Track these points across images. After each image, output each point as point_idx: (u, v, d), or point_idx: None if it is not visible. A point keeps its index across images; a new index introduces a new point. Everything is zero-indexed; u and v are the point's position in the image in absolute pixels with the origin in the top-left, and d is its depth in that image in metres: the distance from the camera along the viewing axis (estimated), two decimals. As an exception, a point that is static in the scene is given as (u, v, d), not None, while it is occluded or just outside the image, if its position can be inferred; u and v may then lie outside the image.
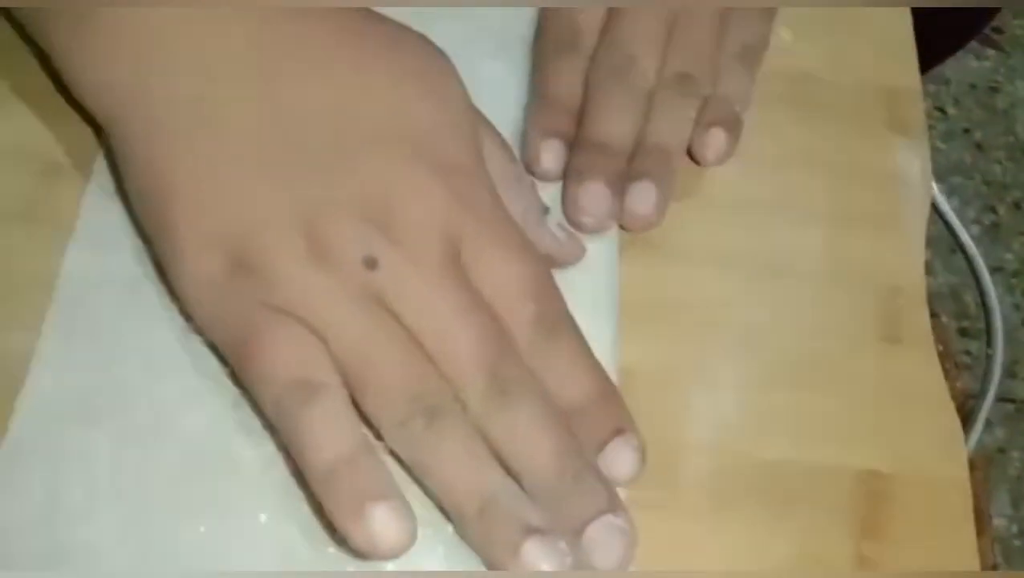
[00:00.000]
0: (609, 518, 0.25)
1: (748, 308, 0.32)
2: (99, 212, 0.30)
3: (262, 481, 0.27)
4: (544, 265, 0.28)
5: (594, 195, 0.31)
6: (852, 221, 0.34)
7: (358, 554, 0.25)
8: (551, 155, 0.31)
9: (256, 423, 0.27)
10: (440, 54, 0.29)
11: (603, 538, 0.25)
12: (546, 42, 0.34)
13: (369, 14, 0.29)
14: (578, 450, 0.26)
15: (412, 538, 0.24)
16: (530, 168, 0.32)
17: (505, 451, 0.26)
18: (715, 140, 0.32)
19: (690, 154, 0.33)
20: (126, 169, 0.28)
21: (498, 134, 0.31)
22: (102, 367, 0.28)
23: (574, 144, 0.32)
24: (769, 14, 0.35)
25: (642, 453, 0.27)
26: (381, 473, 0.25)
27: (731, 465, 0.29)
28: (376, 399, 0.26)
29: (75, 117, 0.31)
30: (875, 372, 0.31)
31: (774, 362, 0.31)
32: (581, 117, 0.32)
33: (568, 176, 0.31)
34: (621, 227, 0.32)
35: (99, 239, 0.29)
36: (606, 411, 0.27)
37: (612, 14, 0.33)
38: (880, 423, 0.30)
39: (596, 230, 0.31)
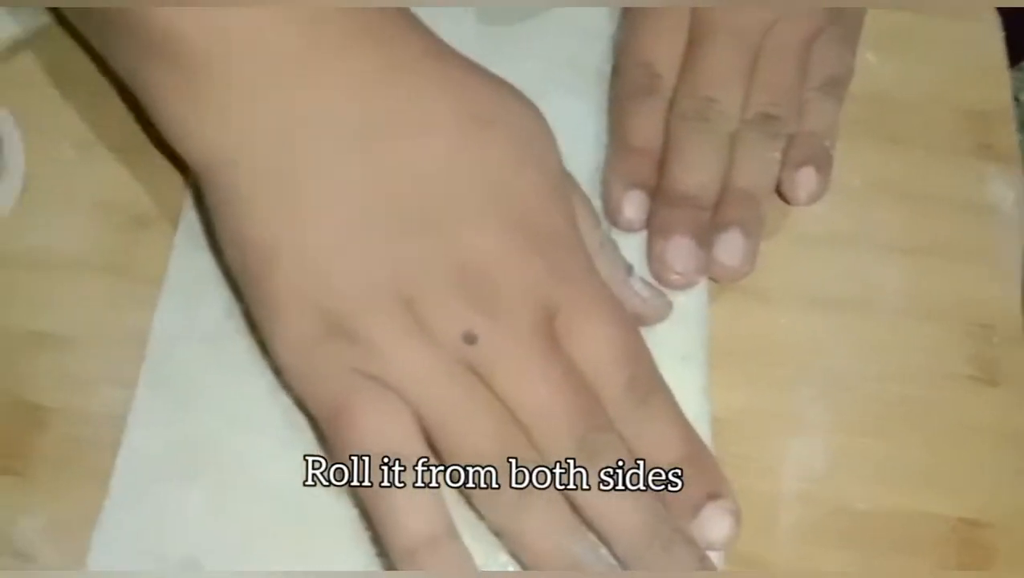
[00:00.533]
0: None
1: (836, 350, 0.31)
2: (187, 265, 0.30)
3: (355, 537, 0.27)
4: (634, 329, 0.28)
5: (681, 251, 0.30)
6: (941, 255, 0.33)
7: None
8: (633, 206, 0.31)
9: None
10: (538, 115, 0.29)
11: None
12: (624, 86, 0.33)
13: (468, 66, 0.29)
14: (666, 517, 0.26)
15: None
16: (612, 219, 0.31)
17: (594, 518, 0.26)
18: (806, 179, 0.32)
19: (780, 193, 0.32)
20: (222, 222, 0.28)
21: (585, 196, 0.30)
22: (195, 423, 0.28)
23: (657, 194, 0.31)
24: (852, 41, 0.34)
25: (737, 517, 0.26)
26: (460, 555, 0.25)
27: (824, 515, 0.29)
28: (458, 461, 0.26)
29: (160, 167, 0.31)
30: (970, 414, 0.30)
31: (865, 406, 0.30)
32: (663, 164, 0.31)
33: (653, 230, 0.31)
34: (710, 278, 0.31)
35: (188, 293, 0.30)
36: (699, 475, 0.26)
37: (690, 53, 0.32)
38: (977, 469, 0.30)
39: (685, 287, 0.30)
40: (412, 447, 0.25)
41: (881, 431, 0.30)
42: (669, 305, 0.30)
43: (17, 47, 0.33)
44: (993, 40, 0.37)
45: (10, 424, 0.28)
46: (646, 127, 0.32)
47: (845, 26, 0.34)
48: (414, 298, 0.26)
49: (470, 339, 0.26)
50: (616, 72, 0.33)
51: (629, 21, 0.34)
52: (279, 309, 0.26)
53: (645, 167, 0.31)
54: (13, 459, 0.28)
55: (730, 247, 0.30)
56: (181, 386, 0.28)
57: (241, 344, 0.29)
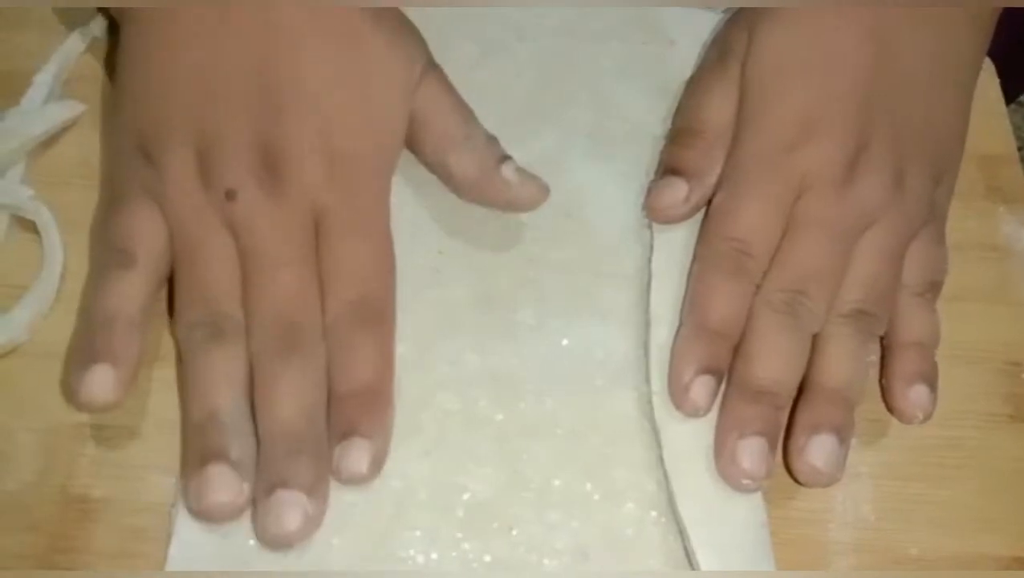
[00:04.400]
0: (283, 494, 0.27)
1: (876, 397, 0.31)
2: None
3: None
4: (387, 254, 0.30)
5: (755, 452, 0.28)
6: (964, 298, 0.33)
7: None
8: (703, 391, 0.29)
9: (391, 563, 0.28)
10: (405, 55, 0.32)
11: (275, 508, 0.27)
12: (712, 258, 0.31)
13: (378, 17, 0.31)
14: (318, 423, 0.28)
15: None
16: (676, 398, 0.29)
17: (257, 399, 0.28)
18: (922, 398, 0.30)
19: (887, 404, 0.31)
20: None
21: (448, 93, 0.32)
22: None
23: (733, 383, 0.29)
24: (944, 237, 0.33)
25: (375, 460, 0.28)
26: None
27: (878, 562, 0.29)
28: (179, 299, 0.29)
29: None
30: (1009, 453, 0.31)
31: (910, 452, 0.31)
32: (741, 351, 0.30)
33: (727, 425, 0.29)
34: (795, 479, 0.29)
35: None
36: (361, 409, 0.28)
37: (788, 241, 0.30)
38: (1020, 506, 0.30)
39: (750, 491, 0.28)
40: (145, 247, 0.29)
41: (928, 475, 0.30)
42: (543, 189, 0.31)
43: (50, 142, 0.34)
44: (992, 87, 0.38)
45: (59, 518, 0.28)
46: (728, 310, 0.30)
47: (939, 222, 0.33)
48: (210, 147, 0.29)
49: (231, 196, 0.29)
50: (705, 239, 0.32)
51: (728, 189, 0.32)
52: (116, 124, 0.31)
53: (721, 351, 0.30)
54: (63, 554, 0.28)
55: (824, 452, 0.28)
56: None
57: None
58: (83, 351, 0.28)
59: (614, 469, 0.29)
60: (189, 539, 0.27)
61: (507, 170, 0.31)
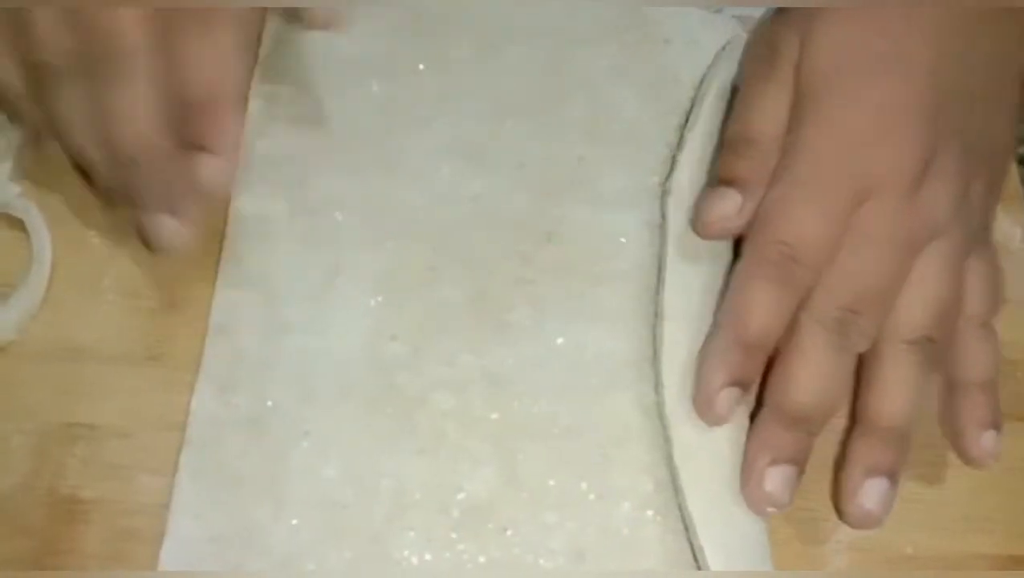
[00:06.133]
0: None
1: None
2: (222, 350, 0.30)
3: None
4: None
5: (784, 481, 0.27)
6: (961, 295, 0.33)
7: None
8: (728, 403, 0.28)
9: (385, 564, 0.27)
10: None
11: None
12: (757, 263, 0.29)
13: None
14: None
15: None
16: (701, 407, 0.28)
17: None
18: (992, 445, 0.29)
19: (955, 447, 0.30)
20: None
21: None
22: (235, 511, 0.28)
23: (769, 400, 0.28)
24: (997, 258, 0.32)
25: (228, 175, 0.28)
26: None
27: (874, 562, 0.29)
28: None
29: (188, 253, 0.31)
30: (1004, 452, 0.30)
31: (906, 451, 0.31)
32: (780, 365, 0.28)
33: (757, 445, 0.28)
34: (840, 517, 0.29)
35: (225, 378, 0.29)
36: (206, 120, 0.27)
37: (845, 255, 0.28)
38: (1017, 506, 0.30)
39: (771, 516, 0.28)
40: None
41: (923, 475, 0.30)
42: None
43: (39, 139, 0.33)
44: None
45: (49, 519, 0.28)
46: (768, 321, 0.28)
47: (991, 241, 0.32)
48: None
49: None
50: (752, 240, 0.30)
51: (782, 189, 0.29)
52: None
53: (754, 364, 0.28)
54: (54, 556, 0.27)
55: (878, 495, 0.28)
56: (220, 473, 0.28)
57: (277, 427, 0.29)
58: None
59: (610, 469, 0.29)
60: (182, 538, 0.27)
61: None
